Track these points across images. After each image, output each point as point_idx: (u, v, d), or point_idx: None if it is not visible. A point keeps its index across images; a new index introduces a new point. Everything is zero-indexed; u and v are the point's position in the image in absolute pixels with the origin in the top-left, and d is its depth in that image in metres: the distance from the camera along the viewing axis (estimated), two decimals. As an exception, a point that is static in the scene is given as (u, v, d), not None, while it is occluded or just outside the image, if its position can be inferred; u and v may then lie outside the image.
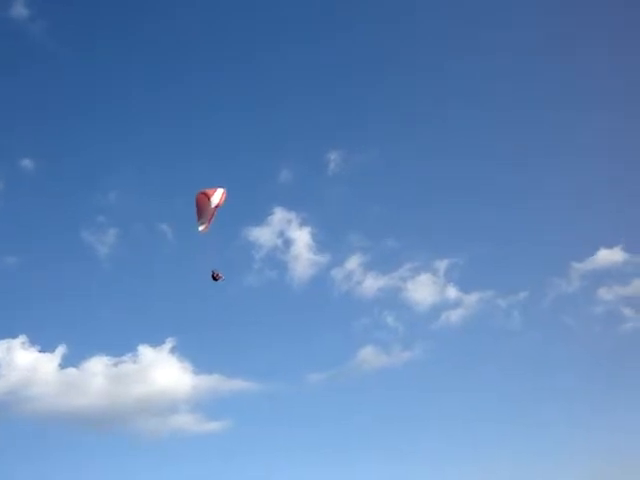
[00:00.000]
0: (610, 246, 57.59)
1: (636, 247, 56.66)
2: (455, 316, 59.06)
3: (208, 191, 33.47)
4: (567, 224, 61.44)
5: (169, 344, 58.93)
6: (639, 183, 60.85)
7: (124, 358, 59.83)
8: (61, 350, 59.65)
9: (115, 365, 59.93)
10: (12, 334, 60.89)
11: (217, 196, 33.39)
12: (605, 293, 57.83)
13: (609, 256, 57.47)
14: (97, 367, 58.64)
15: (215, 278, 33.58)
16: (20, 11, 68.36)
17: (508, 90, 68.26)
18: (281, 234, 61.41)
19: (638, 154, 62.54)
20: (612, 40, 70.68)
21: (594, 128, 65.85)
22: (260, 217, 62.89)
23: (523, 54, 71.80)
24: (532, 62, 70.29)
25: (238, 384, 56.98)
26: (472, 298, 58.81)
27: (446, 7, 71.66)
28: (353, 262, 60.43)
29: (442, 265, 59.58)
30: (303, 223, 62.54)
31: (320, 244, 61.12)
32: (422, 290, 59.26)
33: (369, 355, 57.68)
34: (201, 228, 33.24)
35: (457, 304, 59.12)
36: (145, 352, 59.47)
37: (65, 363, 59.24)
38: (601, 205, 60.60)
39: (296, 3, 72.29)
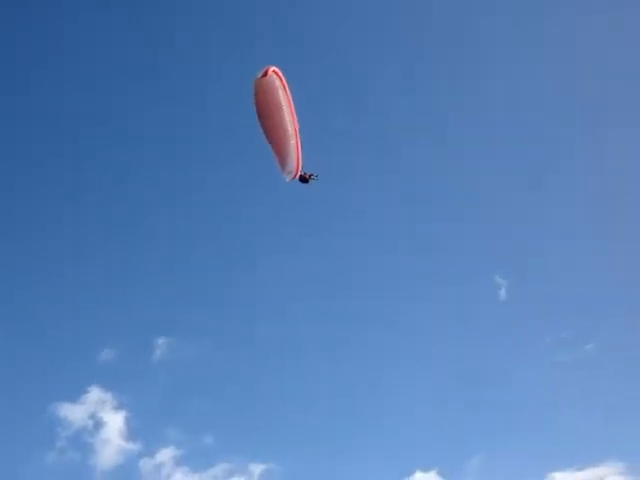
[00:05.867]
0: (426, 470, 57.62)
1: (450, 471, 57.15)
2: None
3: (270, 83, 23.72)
4: (386, 444, 61.51)
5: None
6: (459, 408, 61.40)
7: None
8: None
9: None
10: None
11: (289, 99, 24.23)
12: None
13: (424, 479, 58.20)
14: None
15: (305, 179, 26.85)
16: None
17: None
18: (93, 415, 56.91)
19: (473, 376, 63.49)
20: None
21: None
22: (74, 394, 57.16)
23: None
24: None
25: None
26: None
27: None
28: (165, 455, 57.63)
29: (257, 469, 57.69)
30: (119, 406, 56.84)
31: (133, 431, 58.16)
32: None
33: None
34: (290, 176, 25.72)
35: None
36: None
37: None
38: (416, 426, 60.95)
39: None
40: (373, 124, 64.38)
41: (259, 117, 24.74)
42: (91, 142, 65.30)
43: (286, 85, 24.48)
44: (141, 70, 66.79)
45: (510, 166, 64.90)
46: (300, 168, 25.62)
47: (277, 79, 24.40)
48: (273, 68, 24.22)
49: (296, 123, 24.89)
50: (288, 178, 25.86)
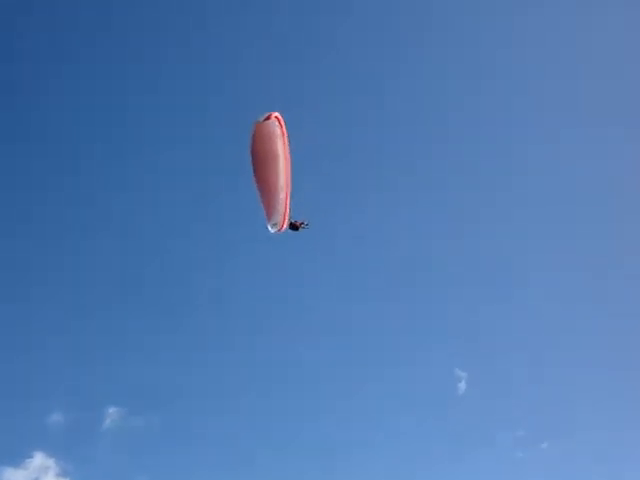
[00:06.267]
0: None
1: None
2: None
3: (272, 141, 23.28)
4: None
5: None
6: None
7: None
8: None
9: None
10: None
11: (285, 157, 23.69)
12: None
13: None
14: None
15: (296, 227, 26.45)
16: None
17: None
18: (33, 483, 59.91)
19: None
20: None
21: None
22: (16, 458, 54.47)
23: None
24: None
25: None
26: None
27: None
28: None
29: None
30: (62, 474, 54.54)
31: (73, 501, 58.56)
32: None
33: None
34: (275, 229, 25.16)
35: None
36: None
37: None
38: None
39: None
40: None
41: (252, 163, 24.27)
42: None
43: (285, 134, 23.94)
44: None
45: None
46: (286, 223, 24.98)
47: (278, 127, 23.80)
48: (275, 114, 23.48)
49: (289, 176, 24.08)
50: (273, 230, 25.16)
